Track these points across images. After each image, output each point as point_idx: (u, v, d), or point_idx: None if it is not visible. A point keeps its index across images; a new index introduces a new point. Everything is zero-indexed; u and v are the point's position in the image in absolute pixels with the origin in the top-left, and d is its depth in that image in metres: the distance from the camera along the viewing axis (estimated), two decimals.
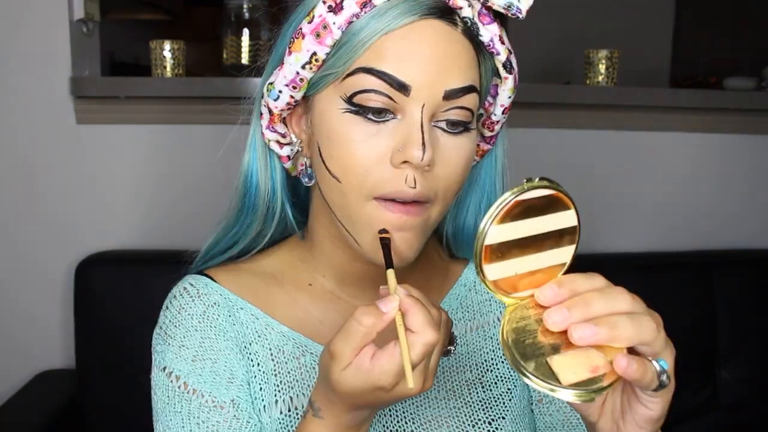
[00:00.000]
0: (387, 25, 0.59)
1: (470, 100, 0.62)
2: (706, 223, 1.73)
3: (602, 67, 1.61)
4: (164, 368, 0.69)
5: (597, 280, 0.50)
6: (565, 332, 0.48)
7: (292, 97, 0.65)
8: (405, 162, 0.59)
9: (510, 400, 0.74)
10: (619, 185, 1.69)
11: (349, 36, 0.60)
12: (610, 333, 0.47)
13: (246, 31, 1.59)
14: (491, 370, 0.74)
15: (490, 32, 0.62)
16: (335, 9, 0.60)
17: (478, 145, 0.71)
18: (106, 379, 1.39)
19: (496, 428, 0.71)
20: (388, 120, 0.60)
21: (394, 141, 0.60)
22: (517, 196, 0.49)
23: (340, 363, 0.53)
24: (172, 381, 0.68)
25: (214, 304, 0.70)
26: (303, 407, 0.67)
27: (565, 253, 0.52)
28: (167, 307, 0.71)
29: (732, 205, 1.73)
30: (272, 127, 0.68)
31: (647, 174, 1.70)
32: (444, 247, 0.78)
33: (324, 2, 0.60)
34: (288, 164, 0.70)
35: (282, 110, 0.66)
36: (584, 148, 1.66)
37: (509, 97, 0.67)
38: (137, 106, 1.51)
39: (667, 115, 1.66)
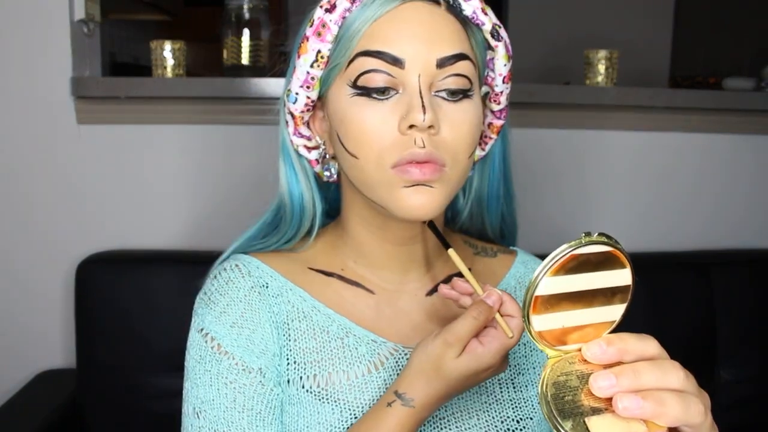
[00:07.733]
0: (375, 12, 0.67)
1: (464, 67, 0.67)
2: (706, 223, 1.73)
3: (602, 68, 1.61)
4: (201, 329, 0.73)
5: (649, 345, 0.49)
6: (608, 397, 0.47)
7: (308, 97, 0.71)
8: (411, 127, 0.65)
9: (539, 403, 0.75)
10: (619, 185, 1.69)
11: (344, 29, 0.68)
12: (657, 409, 0.46)
13: (246, 31, 1.60)
14: (523, 374, 0.78)
15: (471, 6, 0.69)
16: (330, 9, 0.68)
17: (491, 123, 0.77)
18: (106, 379, 1.39)
19: (524, 427, 0.74)
20: (391, 96, 0.66)
21: (399, 112, 0.66)
22: (573, 249, 0.47)
23: (455, 351, 0.62)
24: (207, 341, 0.72)
25: (264, 285, 0.74)
26: (340, 382, 0.72)
27: (614, 312, 0.51)
28: (215, 276, 0.75)
29: (732, 205, 1.73)
30: (298, 132, 0.75)
31: (647, 174, 1.70)
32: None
33: (321, 6, 0.69)
34: (317, 167, 0.77)
35: (302, 112, 0.73)
36: (584, 148, 1.66)
37: (505, 65, 0.73)
38: (138, 106, 1.51)
39: (666, 116, 1.66)
